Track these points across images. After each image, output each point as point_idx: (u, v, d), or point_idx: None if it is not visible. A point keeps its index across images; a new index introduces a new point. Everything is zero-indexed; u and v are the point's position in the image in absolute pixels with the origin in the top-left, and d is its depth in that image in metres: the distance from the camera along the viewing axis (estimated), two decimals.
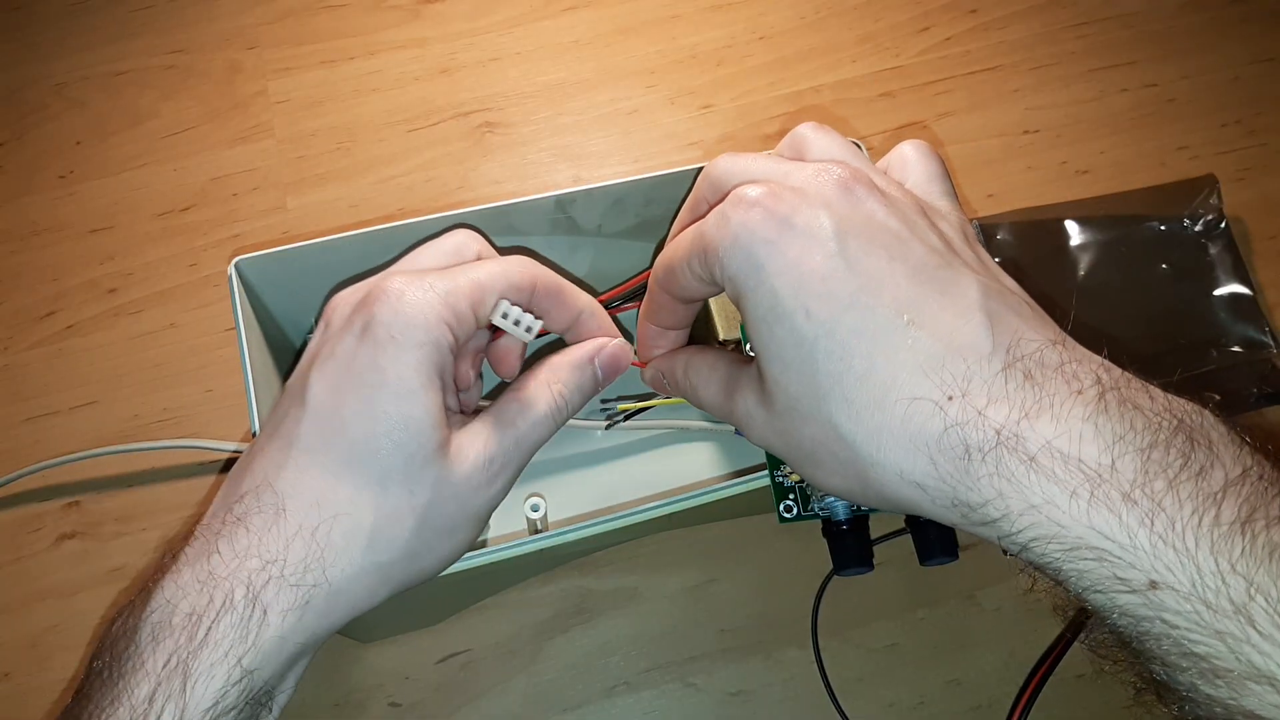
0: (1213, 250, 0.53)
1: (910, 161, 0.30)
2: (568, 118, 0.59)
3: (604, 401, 0.45)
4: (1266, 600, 0.20)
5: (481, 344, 0.33)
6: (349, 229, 0.39)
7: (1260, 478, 0.21)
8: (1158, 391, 0.23)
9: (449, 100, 0.59)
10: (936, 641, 0.45)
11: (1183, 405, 0.23)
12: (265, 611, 0.26)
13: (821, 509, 0.34)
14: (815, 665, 0.43)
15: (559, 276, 0.32)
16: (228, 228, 0.55)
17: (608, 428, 0.45)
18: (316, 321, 0.32)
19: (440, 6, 0.63)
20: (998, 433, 0.22)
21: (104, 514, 0.47)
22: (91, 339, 0.52)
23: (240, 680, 0.25)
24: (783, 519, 0.34)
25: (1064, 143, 0.58)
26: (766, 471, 0.35)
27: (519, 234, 0.42)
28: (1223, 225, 0.53)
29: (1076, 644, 0.41)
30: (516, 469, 0.30)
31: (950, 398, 0.23)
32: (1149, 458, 0.21)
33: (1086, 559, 0.22)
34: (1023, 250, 0.53)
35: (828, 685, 0.43)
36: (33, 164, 0.57)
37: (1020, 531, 0.22)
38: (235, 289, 0.39)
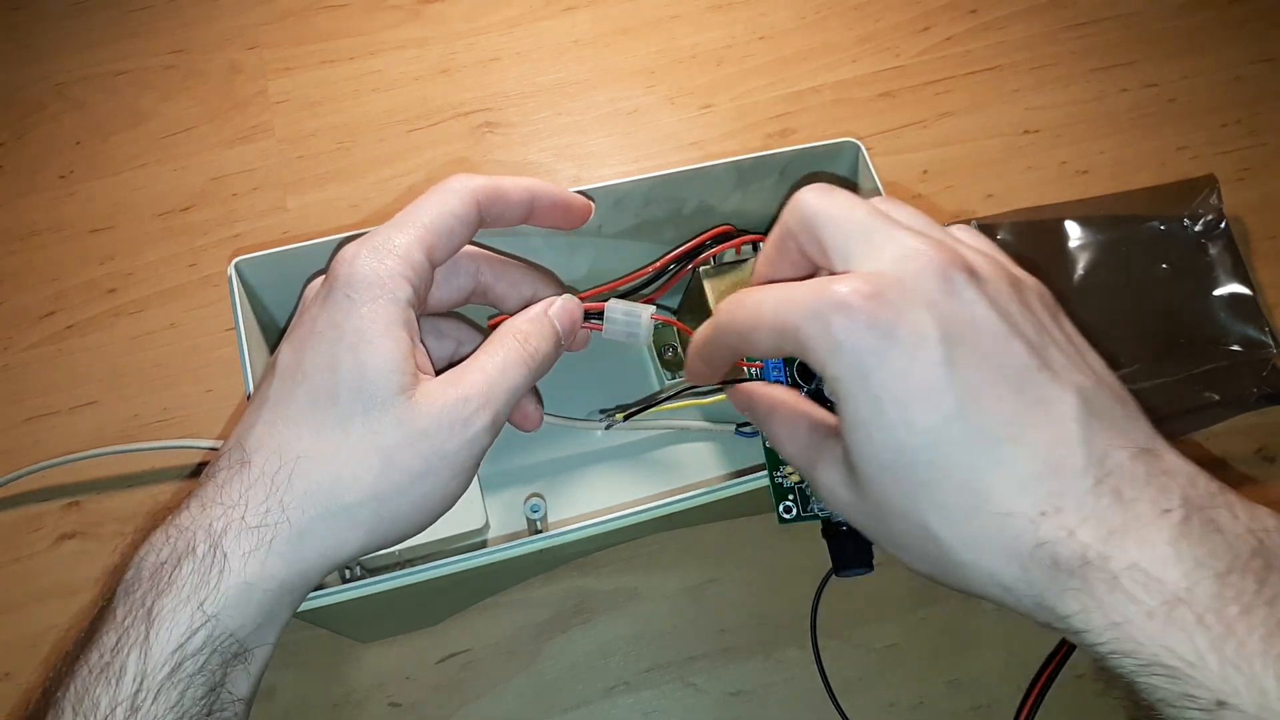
0: (1213, 250, 0.53)
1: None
2: (568, 118, 0.59)
3: (603, 409, 0.45)
4: None
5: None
6: (349, 229, 0.39)
7: None
8: (1240, 507, 0.24)
9: (449, 100, 0.59)
10: (936, 641, 0.45)
11: (1263, 523, 0.24)
12: (225, 555, 0.26)
13: (821, 509, 0.34)
14: (815, 665, 0.43)
15: (492, 178, 0.32)
16: (228, 228, 0.55)
17: (607, 428, 0.45)
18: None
19: (440, 6, 0.63)
20: (1085, 552, 0.23)
21: (104, 514, 0.47)
22: (91, 339, 0.52)
23: (204, 625, 0.26)
24: (782, 520, 0.34)
25: (1064, 143, 0.58)
26: (766, 472, 0.35)
27: (519, 234, 0.42)
28: (1223, 225, 0.53)
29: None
30: (493, 413, 0.30)
31: (1044, 513, 0.24)
32: (1225, 582, 0.22)
33: (1159, 675, 0.23)
34: (1023, 250, 0.53)
35: (828, 685, 0.43)
36: (33, 164, 0.57)
37: (1102, 644, 0.23)
38: (235, 289, 0.39)
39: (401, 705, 0.43)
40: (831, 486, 0.28)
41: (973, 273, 0.26)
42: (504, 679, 0.44)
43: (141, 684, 0.25)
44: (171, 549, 0.27)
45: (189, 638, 0.26)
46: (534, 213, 0.34)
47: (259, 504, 0.27)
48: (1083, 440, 0.25)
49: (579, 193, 0.36)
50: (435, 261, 0.31)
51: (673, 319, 0.37)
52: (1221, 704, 0.22)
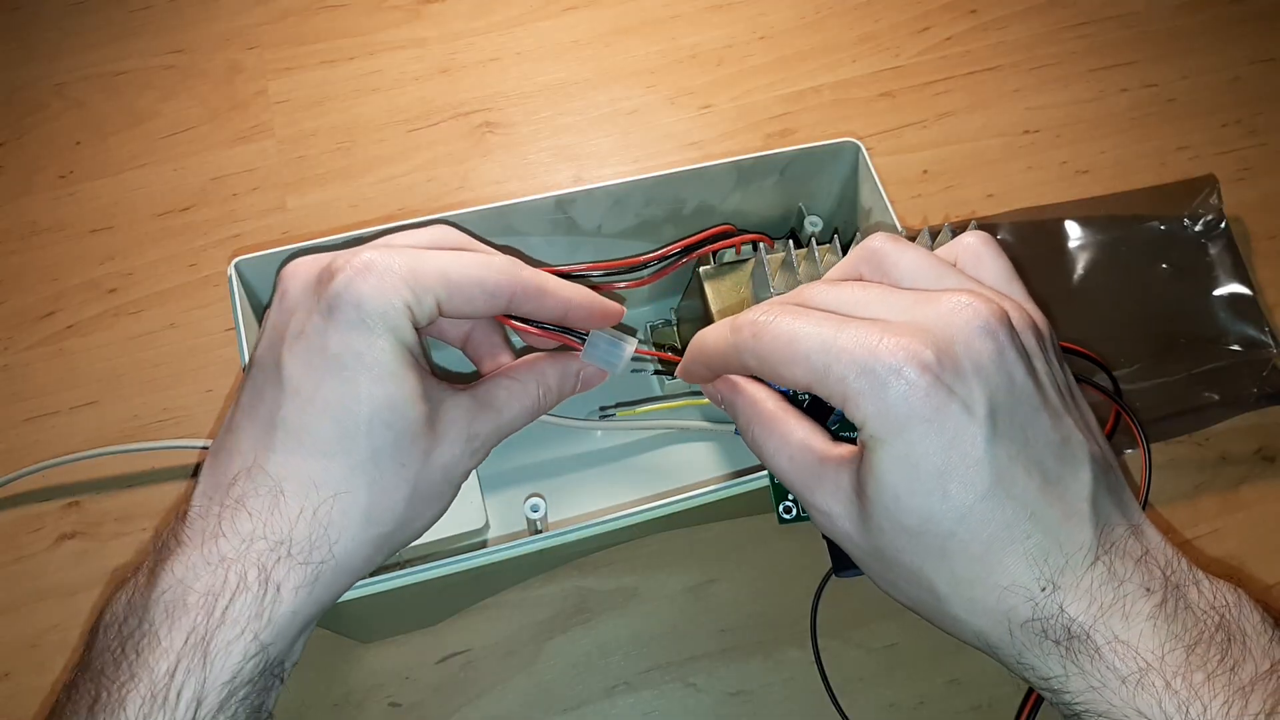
0: (1213, 250, 0.53)
1: (983, 258, 0.30)
2: (568, 118, 0.59)
3: (603, 408, 0.45)
4: None
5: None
6: (349, 229, 0.39)
7: None
8: (1205, 584, 0.26)
9: (449, 100, 0.59)
10: (936, 641, 0.45)
11: (1224, 598, 0.26)
12: (279, 589, 0.27)
13: None
14: (815, 665, 0.43)
15: (541, 274, 0.32)
16: (228, 228, 0.55)
17: (602, 417, 0.45)
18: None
19: (440, 6, 0.63)
20: (1071, 625, 0.25)
21: (104, 514, 0.47)
22: (91, 339, 0.52)
23: (257, 654, 0.27)
24: (782, 520, 0.34)
25: (1064, 143, 0.58)
26: (766, 472, 0.35)
27: (519, 234, 0.42)
28: (1223, 225, 0.53)
29: None
30: (492, 446, 0.33)
31: (1043, 589, 0.26)
32: (1193, 653, 0.25)
33: None
34: (1023, 250, 0.53)
35: (828, 685, 0.43)
36: (33, 164, 0.57)
37: (1076, 703, 0.26)
38: (235, 289, 0.39)
39: (401, 705, 0.43)
40: (832, 516, 0.28)
41: (1016, 335, 0.27)
42: (504, 679, 0.44)
43: (196, 711, 0.26)
44: (222, 579, 0.27)
45: (243, 666, 0.27)
46: (569, 318, 0.34)
47: (304, 539, 0.28)
48: (1092, 520, 0.26)
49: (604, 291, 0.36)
50: (443, 306, 0.30)
51: (654, 351, 0.38)
52: None
